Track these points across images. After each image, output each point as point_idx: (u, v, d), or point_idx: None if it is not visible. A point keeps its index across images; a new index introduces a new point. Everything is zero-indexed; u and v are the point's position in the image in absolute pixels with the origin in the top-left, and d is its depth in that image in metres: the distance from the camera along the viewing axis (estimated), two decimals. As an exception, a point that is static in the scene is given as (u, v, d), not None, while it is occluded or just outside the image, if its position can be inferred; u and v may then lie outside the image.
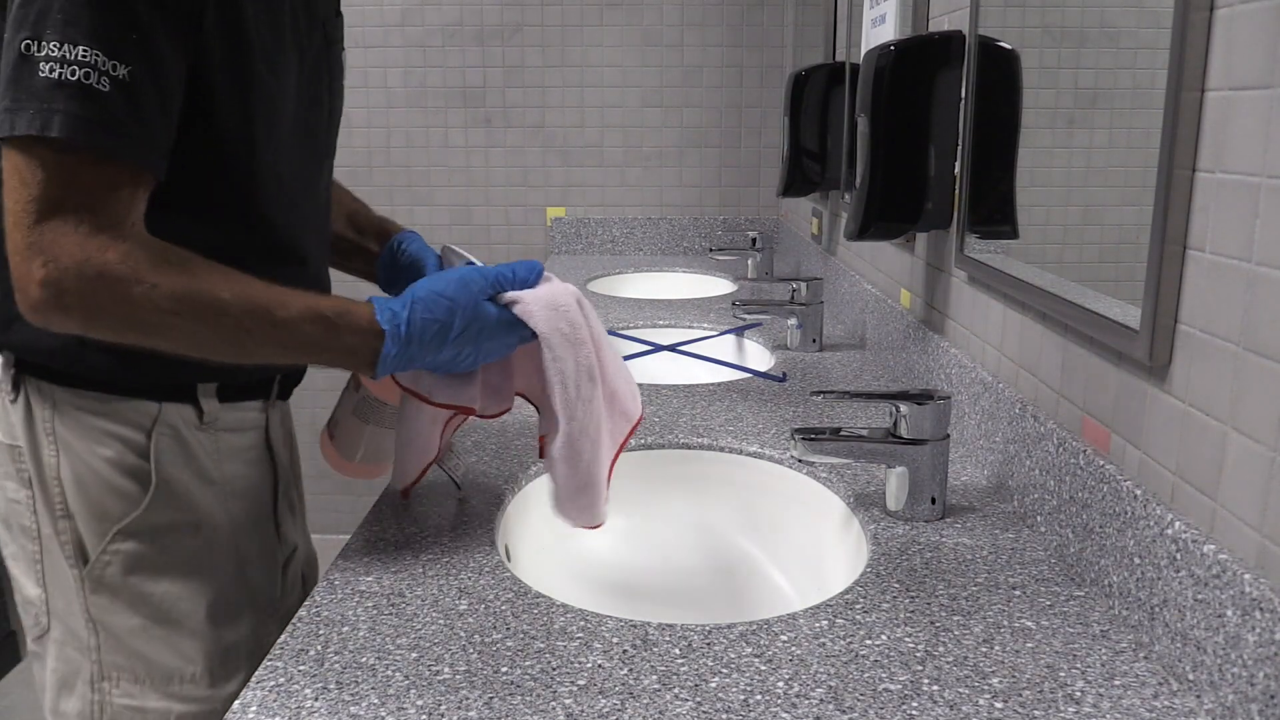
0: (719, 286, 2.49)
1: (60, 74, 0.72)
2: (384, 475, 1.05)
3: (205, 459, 0.94)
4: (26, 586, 0.92)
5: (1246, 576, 0.59)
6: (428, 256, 1.09)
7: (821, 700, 0.65)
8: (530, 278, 0.86)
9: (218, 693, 0.94)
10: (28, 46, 0.72)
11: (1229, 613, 0.60)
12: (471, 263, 0.98)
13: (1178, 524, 0.67)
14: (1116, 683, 0.67)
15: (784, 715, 0.64)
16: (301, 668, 0.70)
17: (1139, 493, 0.73)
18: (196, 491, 0.93)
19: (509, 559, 0.95)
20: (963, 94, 1.11)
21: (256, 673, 0.69)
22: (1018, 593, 0.80)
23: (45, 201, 0.73)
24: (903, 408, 0.93)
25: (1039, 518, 0.90)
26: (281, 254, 0.94)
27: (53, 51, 0.72)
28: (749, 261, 2.41)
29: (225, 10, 0.82)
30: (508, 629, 0.75)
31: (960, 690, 0.66)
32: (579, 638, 0.74)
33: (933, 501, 0.94)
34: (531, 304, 0.84)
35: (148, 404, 0.90)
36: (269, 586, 1.02)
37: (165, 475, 0.91)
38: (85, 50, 0.72)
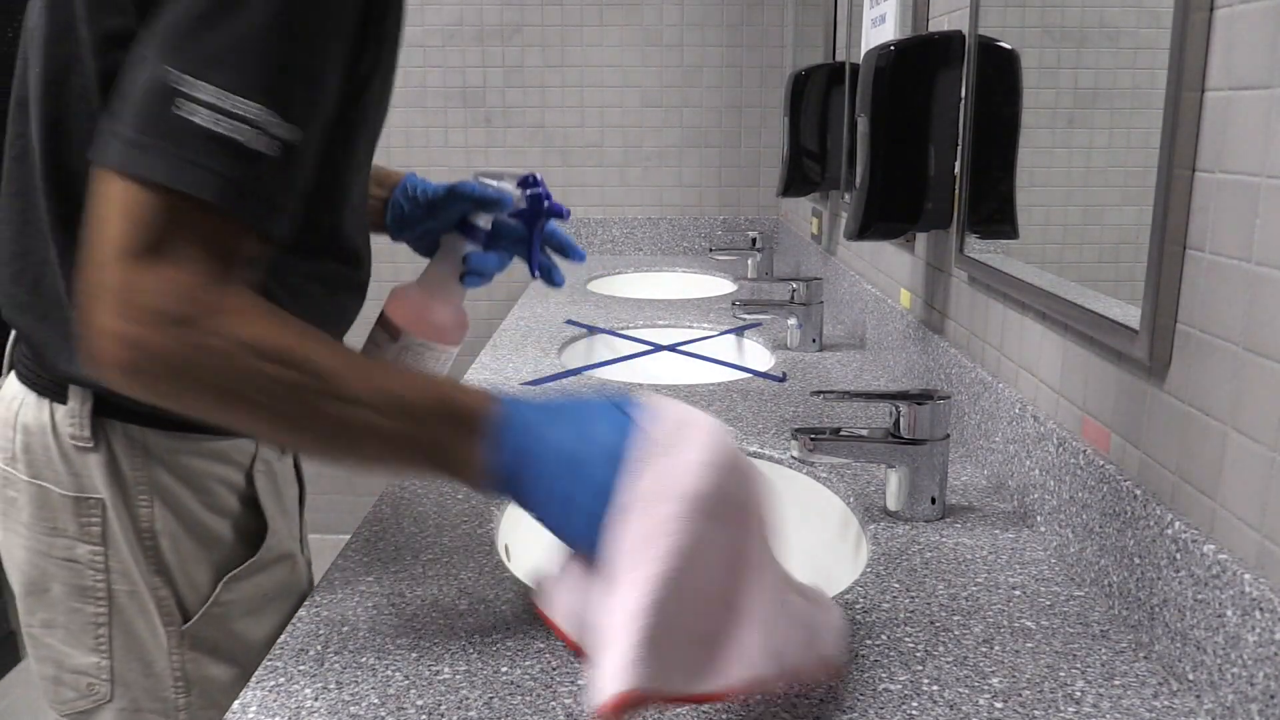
0: (719, 286, 2.49)
1: (217, 126, 0.59)
2: None
3: (283, 487, 0.89)
4: (74, 655, 0.81)
5: (1246, 576, 0.59)
6: (457, 185, 0.95)
7: (821, 700, 0.65)
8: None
9: None
10: (180, 80, 0.59)
11: (1229, 613, 0.60)
12: (510, 185, 0.94)
13: (1178, 524, 0.67)
14: (1116, 683, 0.67)
15: (784, 715, 0.64)
16: (301, 668, 0.70)
17: (1139, 493, 0.73)
18: (280, 523, 0.87)
19: (509, 559, 0.95)
20: (963, 94, 1.11)
21: (256, 673, 0.69)
22: (1018, 593, 0.80)
23: (151, 241, 0.59)
24: (903, 408, 0.93)
25: (1039, 518, 0.90)
26: (355, 273, 0.87)
27: (213, 99, 0.59)
28: (749, 261, 2.41)
29: (385, 55, 0.74)
30: (508, 629, 0.75)
31: (960, 690, 0.66)
32: (579, 638, 0.74)
33: (933, 501, 0.94)
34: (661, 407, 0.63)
35: (245, 442, 0.83)
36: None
37: (266, 513, 0.85)
38: (258, 109, 0.60)
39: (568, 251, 1.00)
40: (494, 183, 0.94)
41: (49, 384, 0.78)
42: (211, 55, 0.60)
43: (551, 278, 0.99)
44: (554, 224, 0.99)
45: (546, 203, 0.95)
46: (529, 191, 0.95)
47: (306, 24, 0.62)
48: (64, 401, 0.77)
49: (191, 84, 0.59)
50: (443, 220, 0.96)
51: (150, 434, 0.78)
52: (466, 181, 0.95)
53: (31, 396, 0.79)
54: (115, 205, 0.60)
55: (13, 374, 0.81)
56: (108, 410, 0.77)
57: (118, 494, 0.78)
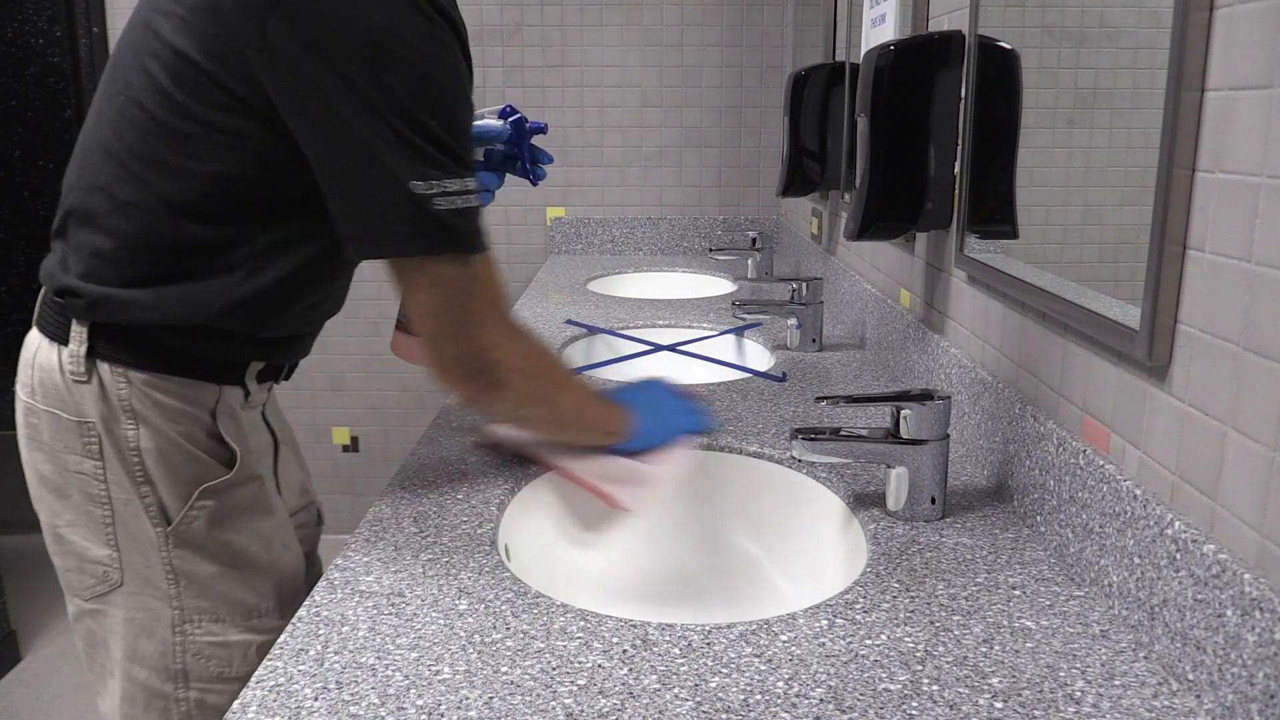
0: (719, 286, 2.49)
1: (456, 204, 0.87)
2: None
3: (246, 430, 1.04)
4: (92, 549, 0.98)
5: (1246, 576, 0.59)
6: None
7: (821, 700, 0.65)
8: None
9: (287, 622, 1.00)
10: (416, 186, 0.85)
11: (1229, 613, 0.60)
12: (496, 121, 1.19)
13: (1178, 524, 0.67)
14: (1116, 683, 0.67)
15: (784, 715, 0.64)
16: (301, 668, 0.70)
17: (1139, 493, 0.73)
18: (247, 453, 1.02)
19: (509, 559, 0.95)
20: (963, 94, 1.11)
21: (256, 672, 0.69)
22: (1018, 593, 0.80)
23: (462, 307, 0.91)
24: (903, 408, 0.93)
25: (1039, 518, 0.90)
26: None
27: (450, 187, 0.87)
28: (749, 261, 2.41)
29: None
30: (508, 629, 0.75)
31: (960, 690, 0.66)
32: (579, 638, 0.74)
33: (933, 501, 0.94)
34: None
35: (210, 386, 0.98)
36: (294, 531, 1.12)
37: (233, 445, 1.00)
38: (468, 179, 0.89)
39: (541, 158, 1.25)
40: (481, 121, 1.16)
41: (58, 332, 0.95)
42: (435, 163, 0.86)
43: (537, 176, 1.26)
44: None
45: (528, 124, 1.20)
46: (512, 119, 1.19)
47: (457, 111, 0.90)
48: (66, 344, 0.94)
49: (426, 184, 0.85)
50: None
51: (131, 372, 0.94)
52: None
53: (45, 342, 0.96)
54: (426, 283, 0.90)
55: (35, 327, 0.99)
56: (96, 352, 0.94)
57: (106, 418, 0.94)
